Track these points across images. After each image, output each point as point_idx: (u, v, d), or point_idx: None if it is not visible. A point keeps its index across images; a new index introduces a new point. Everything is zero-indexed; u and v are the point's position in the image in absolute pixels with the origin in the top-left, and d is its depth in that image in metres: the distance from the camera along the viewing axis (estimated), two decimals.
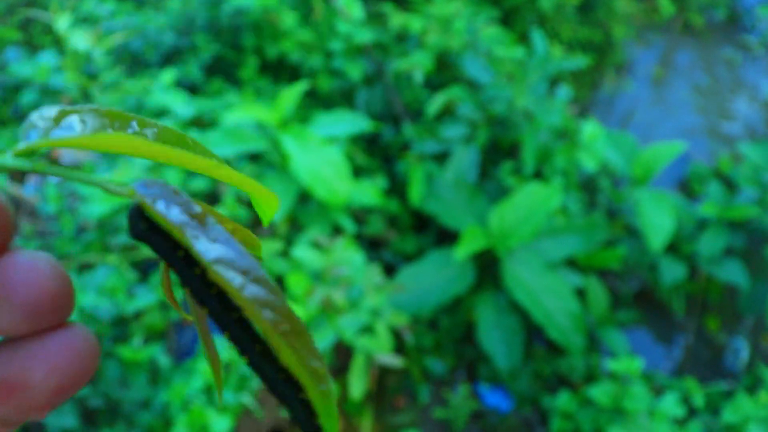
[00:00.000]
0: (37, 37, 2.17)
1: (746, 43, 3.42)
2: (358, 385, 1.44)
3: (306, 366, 0.22)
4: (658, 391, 1.71)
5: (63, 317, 0.22)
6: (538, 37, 1.99)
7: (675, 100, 3.07)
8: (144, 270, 1.59)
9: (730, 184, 2.27)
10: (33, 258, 0.22)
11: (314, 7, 2.09)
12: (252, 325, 0.22)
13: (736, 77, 3.22)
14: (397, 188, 1.97)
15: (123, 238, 1.47)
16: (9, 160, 0.22)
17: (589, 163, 1.85)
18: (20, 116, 1.88)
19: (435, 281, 1.70)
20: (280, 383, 0.23)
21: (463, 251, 1.61)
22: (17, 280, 0.21)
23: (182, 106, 1.66)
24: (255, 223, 1.76)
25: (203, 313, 0.24)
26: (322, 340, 1.37)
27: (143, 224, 0.22)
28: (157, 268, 1.52)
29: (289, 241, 1.65)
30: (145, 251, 1.45)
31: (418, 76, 1.99)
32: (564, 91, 2.00)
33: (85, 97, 1.76)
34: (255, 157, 1.76)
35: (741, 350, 2.09)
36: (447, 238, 1.94)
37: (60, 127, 0.23)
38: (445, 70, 2.18)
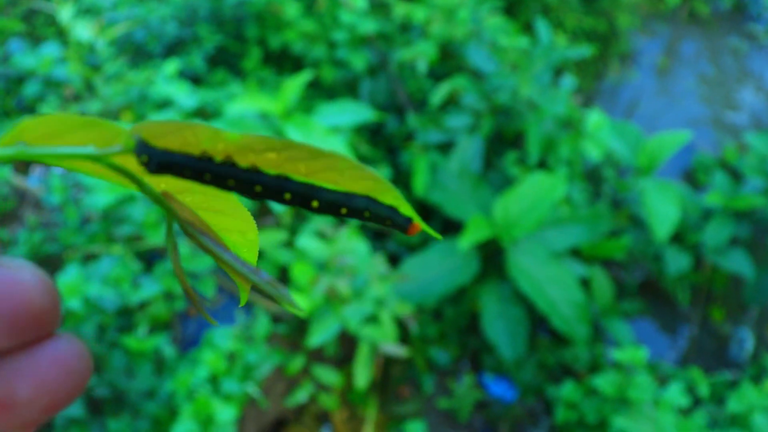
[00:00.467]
0: (40, 29, 2.17)
1: (752, 32, 3.40)
2: (362, 374, 1.44)
3: (360, 175, 0.23)
4: (662, 381, 1.71)
5: (50, 329, 0.21)
6: (542, 27, 1.97)
7: (680, 89, 3.05)
8: (149, 260, 1.60)
9: (735, 174, 2.26)
10: (15, 268, 0.20)
11: None
12: (296, 180, 0.24)
13: (742, 67, 3.19)
14: (401, 178, 1.97)
15: (128, 229, 1.48)
16: None
17: (593, 153, 1.84)
18: (24, 108, 1.88)
19: (439, 271, 1.70)
20: (353, 200, 0.24)
21: (467, 241, 1.60)
22: None
23: (185, 96, 1.66)
24: (260, 213, 1.76)
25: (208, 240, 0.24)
26: (327, 330, 1.37)
27: (158, 149, 0.22)
28: (162, 259, 1.52)
29: (294, 231, 1.65)
30: (150, 241, 1.45)
31: (422, 66, 1.98)
32: (568, 81, 1.99)
33: (89, 88, 1.76)
34: None
35: (746, 340, 2.09)
36: (451, 228, 1.94)
37: None
38: (449, 60, 2.17)
